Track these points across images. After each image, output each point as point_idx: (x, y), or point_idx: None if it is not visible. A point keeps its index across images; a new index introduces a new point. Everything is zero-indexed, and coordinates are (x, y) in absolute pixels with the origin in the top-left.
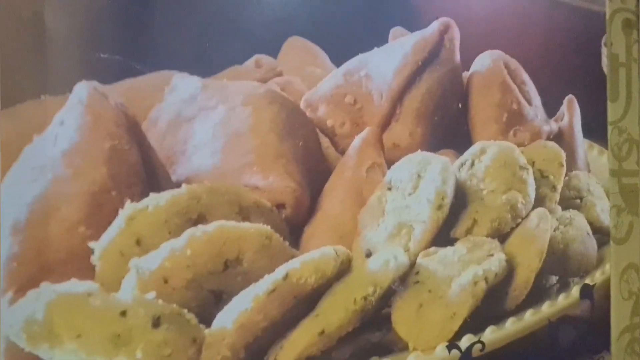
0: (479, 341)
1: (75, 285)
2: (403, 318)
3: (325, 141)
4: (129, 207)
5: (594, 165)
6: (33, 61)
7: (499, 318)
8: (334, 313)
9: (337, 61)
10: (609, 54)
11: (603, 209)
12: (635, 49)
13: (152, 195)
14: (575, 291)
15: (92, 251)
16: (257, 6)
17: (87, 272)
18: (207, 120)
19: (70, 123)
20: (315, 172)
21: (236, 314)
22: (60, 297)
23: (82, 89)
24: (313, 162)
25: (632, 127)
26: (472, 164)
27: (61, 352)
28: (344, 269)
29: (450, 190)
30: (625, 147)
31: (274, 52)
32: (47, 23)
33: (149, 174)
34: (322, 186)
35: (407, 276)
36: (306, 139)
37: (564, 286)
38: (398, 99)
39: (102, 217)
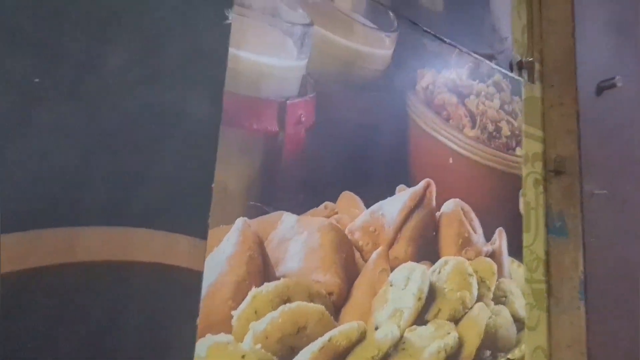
0: None
1: (222, 337)
2: None
3: (357, 254)
4: (253, 291)
5: (514, 275)
6: (218, 206)
7: None
8: None
9: (368, 204)
10: (524, 201)
11: (520, 305)
12: (541, 198)
13: (265, 284)
14: None
15: (232, 316)
16: (326, 174)
17: (229, 328)
18: (298, 240)
19: (231, 240)
20: (351, 273)
21: None
22: (215, 343)
23: (239, 222)
24: (350, 267)
25: (539, 250)
26: (439, 271)
27: None
28: (362, 337)
29: (426, 288)
30: (535, 263)
31: (334, 199)
32: (227, 186)
33: (265, 271)
34: (354, 282)
35: (398, 344)
36: (348, 252)
37: (494, 358)
38: (399, 230)
39: (240, 296)
